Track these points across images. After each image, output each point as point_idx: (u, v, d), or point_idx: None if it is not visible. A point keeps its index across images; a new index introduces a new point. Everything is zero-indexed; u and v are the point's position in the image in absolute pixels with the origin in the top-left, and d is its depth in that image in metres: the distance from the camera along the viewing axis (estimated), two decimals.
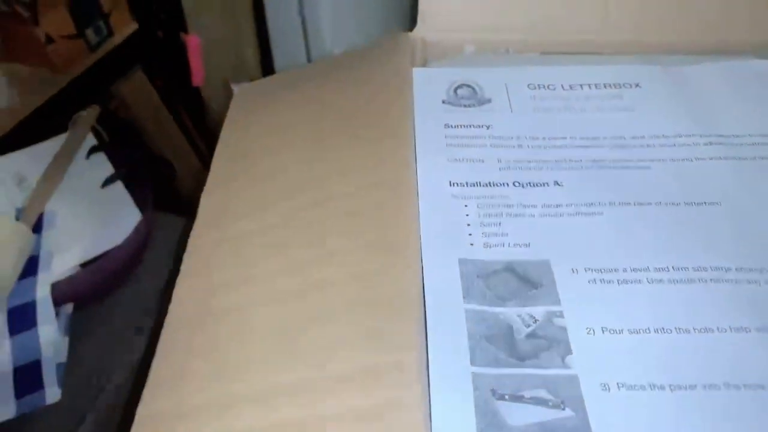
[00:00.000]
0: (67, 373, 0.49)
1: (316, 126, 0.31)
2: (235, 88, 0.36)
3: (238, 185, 0.30)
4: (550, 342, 0.22)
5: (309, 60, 0.67)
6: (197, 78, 0.77)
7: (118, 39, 0.74)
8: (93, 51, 0.71)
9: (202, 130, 0.83)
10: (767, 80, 0.33)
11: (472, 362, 0.22)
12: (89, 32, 0.71)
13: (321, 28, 0.62)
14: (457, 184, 0.28)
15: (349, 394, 0.20)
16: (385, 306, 0.22)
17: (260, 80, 0.37)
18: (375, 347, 0.21)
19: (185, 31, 0.73)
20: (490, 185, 0.28)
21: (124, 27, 0.75)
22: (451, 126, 0.31)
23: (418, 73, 0.34)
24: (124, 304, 0.56)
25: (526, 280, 0.24)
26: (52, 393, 0.47)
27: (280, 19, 0.67)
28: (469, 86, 0.33)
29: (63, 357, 0.48)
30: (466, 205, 0.27)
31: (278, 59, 0.71)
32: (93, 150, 0.64)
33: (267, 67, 0.74)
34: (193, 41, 0.74)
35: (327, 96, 0.33)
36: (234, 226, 0.27)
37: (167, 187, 0.71)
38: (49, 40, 0.66)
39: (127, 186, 0.63)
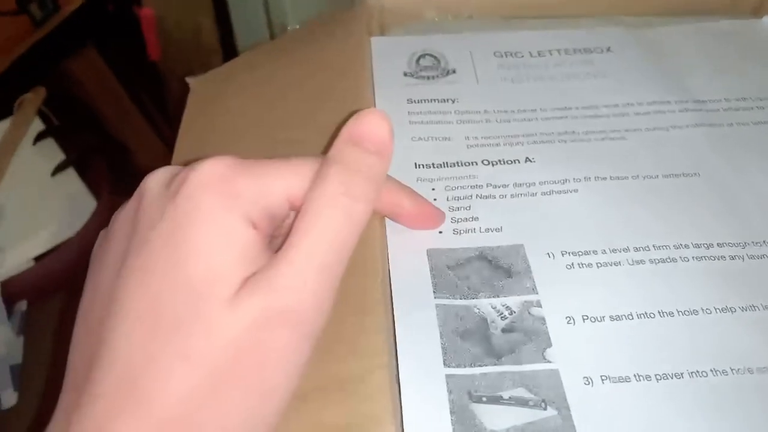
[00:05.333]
0: (24, 373, 0.46)
1: (273, 118, 0.29)
2: (191, 82, 0.34)
3: None
4: (527, 335, 0.21)
5: (270, 28, 0.63)
6: (153, 52, 0.73)
7: (65, 13, 0.70)
8: (38, 27, 0.67)
9: (162, 107, 0.79)
10: (738, 40, 0.32)
11: (446, 363, 0.20)
12: (33, 7, 0.66)
13: None
14: (423, 165, 0.26)
15: (314, 414, 0.19)
16: (349, 308, 0.21)
17: (216, 69, 0.34)
18: (339, 357, 0.20)
19: (138, 3, 0.69)
20: (458, 165, 0.26)
21: (71, 0, 0.70)
22: (414, 101, 0.29)
23: (376, 42, 0.31)
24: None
25: (500, 268, 0.23)
26: (8, 396, 0.45)
27: None
28: (431, 56, 0.31)
29: (18, 358, 0.46)
30: (433, 189, 0.25)
31: (238, 29, 0.68)
32: (40, 136, 0.60)
33: (226, 38, 0.70)
34: (147, 14, 0.70)
35: (283, 79, 0.31)
36: None
37: (124, 170, 0.68)
38: None
39: (80, 172, 0.60)
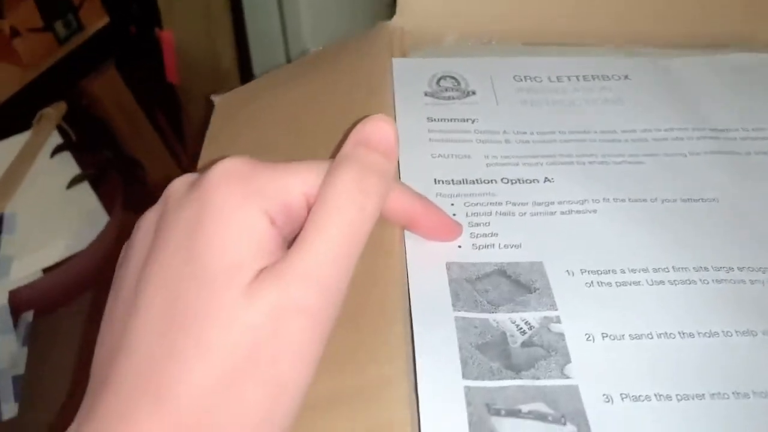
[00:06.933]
0: (26, 386, 0.46)
1: (297, 136, 0.29)
2: (216, 100, 0.34)
3: None
4: (547, 350, 0.21)
5: (287, 54, 0.64)
6: (172, 75, 0.74)
7: (88, 33, 0.72)
8: (62, 45, 0.68)
9: (177, 130, 0.80)
10: (754, 73, 0.32)
11: (464, 375, 0.20)
12: (58, 25, 0.68)
13: (300, 21, 0.60)
14: (443, 181, 0.26)
15: (332, 422, 0.18)
16: (367, 318, 0.21)
17: (240, 88, 0.35)
18: (358, 365, 0.20)
19: (159, 26, 0.71)
20: (477, 182, 0.26)
21: (95, 20, 0.72)
22: (435, 119, 0.29)
23: (398, 63, 0.32)
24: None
25: (519, 284, 0.23)
26: (9, 408, 0.44)
27: (258, 13, 0.64)
28: (452, 77, 0.31)
29: (21, 369, 0.46)
30: (452, 204, 0.25)
31: (255, 54, 0.69)
32: (58, 149, 0.61)
33: (244, 63, 0.71)
34: (167, 37, 0.72)
35: (307, 98, 0.31)
36: None
37: (138, 187, 0.69)
38: (15, 33, 0.63)
39: (95, 187, 0.61)
